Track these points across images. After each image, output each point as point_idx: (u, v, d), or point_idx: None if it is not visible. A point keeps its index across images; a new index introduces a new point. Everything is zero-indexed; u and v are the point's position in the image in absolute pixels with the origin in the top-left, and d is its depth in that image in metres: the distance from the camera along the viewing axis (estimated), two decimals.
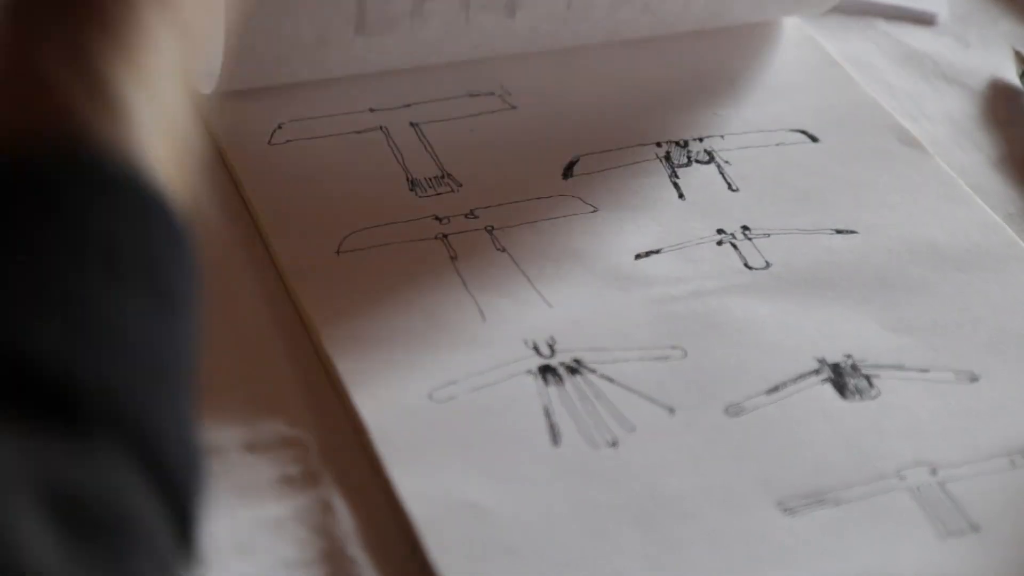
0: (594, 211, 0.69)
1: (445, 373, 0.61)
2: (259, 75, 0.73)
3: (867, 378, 0.61)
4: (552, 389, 0.61)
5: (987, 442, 0.59)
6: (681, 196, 0.70)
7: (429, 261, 0.66)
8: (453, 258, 0.66)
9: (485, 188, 0.70)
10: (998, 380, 0.62)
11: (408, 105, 0.75)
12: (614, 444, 0.59)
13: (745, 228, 0.68)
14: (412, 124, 0.74)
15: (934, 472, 0.58)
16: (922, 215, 0.69)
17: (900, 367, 0.62)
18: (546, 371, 0.61)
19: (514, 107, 0.75)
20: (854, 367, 0.62)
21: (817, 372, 0.62)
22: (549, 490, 0.57)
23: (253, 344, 0.63)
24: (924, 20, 0.82)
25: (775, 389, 0.61)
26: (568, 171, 0.71)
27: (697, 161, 0.72)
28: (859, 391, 0.61)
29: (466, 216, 0.69)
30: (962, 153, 0.74)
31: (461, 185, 0.70)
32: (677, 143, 0.73)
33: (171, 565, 0.35)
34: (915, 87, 0.78)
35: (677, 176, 0.71)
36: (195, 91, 0.44)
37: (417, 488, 0.56)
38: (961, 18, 0.82)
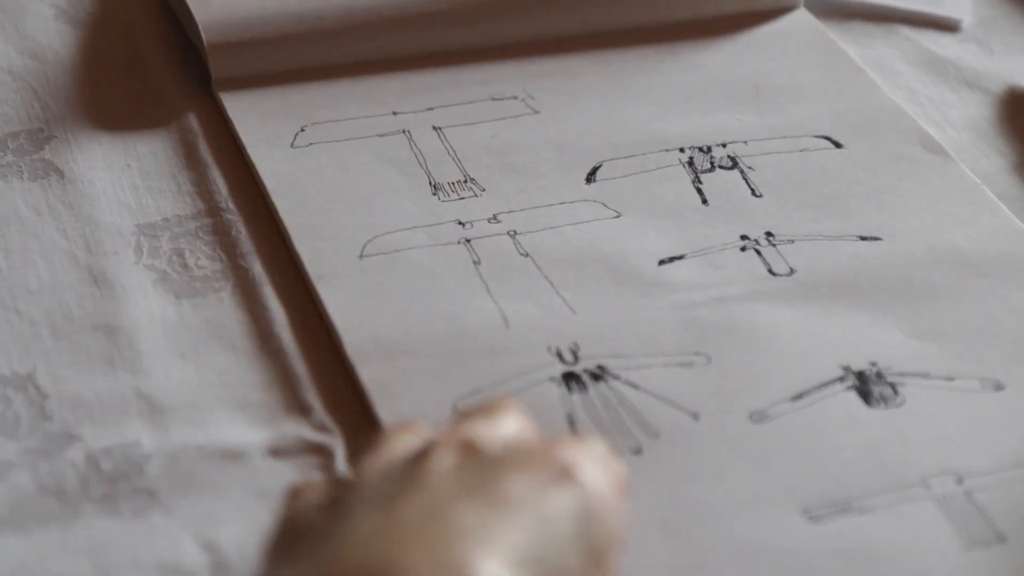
0: (617, 216, 0.69)
1: (469, 381, 0.61)
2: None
3: (892, 386, 0.61)
4: (576, 396, 0.61)
5: (1013, 451, 0.59)
6: (705, 202, 0.70)
7: (452, 266, 0.66)
8: (476, 263, 0.66)
9: (508, 193, 0.70)
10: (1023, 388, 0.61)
11: (431, 108, 0.74)
12: (638, 451, 0.59)
13: (769, 234, 0.68)
14: (435, 128, 0.74)
15: (960, 481, 0.58)
16: (946, 222, 0.69)
17: (925, 375, 0.62)
18: (570, 378, 0.61)
19: (537, 112, 0.75)
20: (879, 375, 0.62)
21: (842, 379, 0.61)
22: None
23: (276, 348, 0.63)
24: (948, 26, 0.82)
25: (800, 396, 0.61)
26: (591, 176, 0.71)
27: (720, 167, 0.72)
28: (884, 399, 0.61)
29: (489, 221, 0.69)
30: (986, 159, 0.74)
31: (484, 190, 0.70)
32: (700, 148, 0.73)
33: None
34: (939, 93, 0.78)
35: (700, 182, 0.71)
36: None
37: None
38: (985, 24, 0.82)
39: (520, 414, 0.54)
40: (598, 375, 0.61)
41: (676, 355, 0.62)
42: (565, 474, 0.51)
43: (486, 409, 0.54)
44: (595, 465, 0.52)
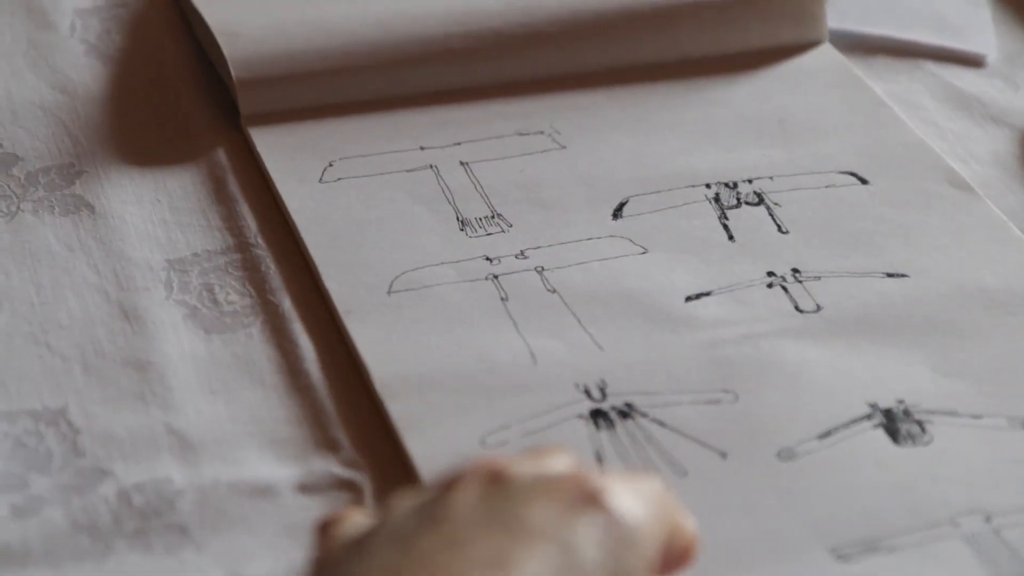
0: (644, 252, 0.69)
1: (497, 417, 0.61)
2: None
3: (919, 424, 0.61)
4: (604, 434, 0.61)
5: None
6: (731, 238, 0.70)
7: (480, 302, 0.66)
8: (504, 299, 0.67)
9: (535, 228, 0.70)
10: None
11: (458, 143, 0.75)
12: None
13: (795, 270, 0.68)
14: (462, 163, 0.74)
15: (988, 519, 0.58)
16: (972, 259, 0.69)
17: (953, 413, 0.62)
18: (597, 415, 0.61)
19: (563, 147, 0.75)
20: (906, 412, 0.62)
21: (869, 417, 0.62)
22: None
23: (306, 384, 0.63)
24: (972, 62, 0.82)
25: (827, 434, 0.61)
26: (618, 212, 0.71)
27: (747, 203, 0.72)
28: (912, 437, 0.61)
29: (516, 257, 0.69)
30: (1011, 195, 0.74)
31: (511, 225, 0.71)
32: (726, 184, 0.73)
33: None
34: (964, 129, 0.78)
35: (727, 218, 0.71)
36: None
37: None
38: (1010, 60, 0.82)
39: (571, 458, 0.52)
40: (626, 412, 0.62)
41: (703, 392, 0.63)
42: (590, 500, 0.49)
43: (536, 451, 0.53)
44: (627, 491, 0.50)
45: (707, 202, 0.72)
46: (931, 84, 0.81)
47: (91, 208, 0.71)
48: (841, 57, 0.81)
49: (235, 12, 0.78)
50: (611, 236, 0.70)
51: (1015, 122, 0.78)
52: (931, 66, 0.82)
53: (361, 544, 0.50)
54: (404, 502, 0.51)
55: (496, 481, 0.50)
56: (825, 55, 0.81)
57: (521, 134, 0.76)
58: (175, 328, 0.65)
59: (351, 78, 0.76)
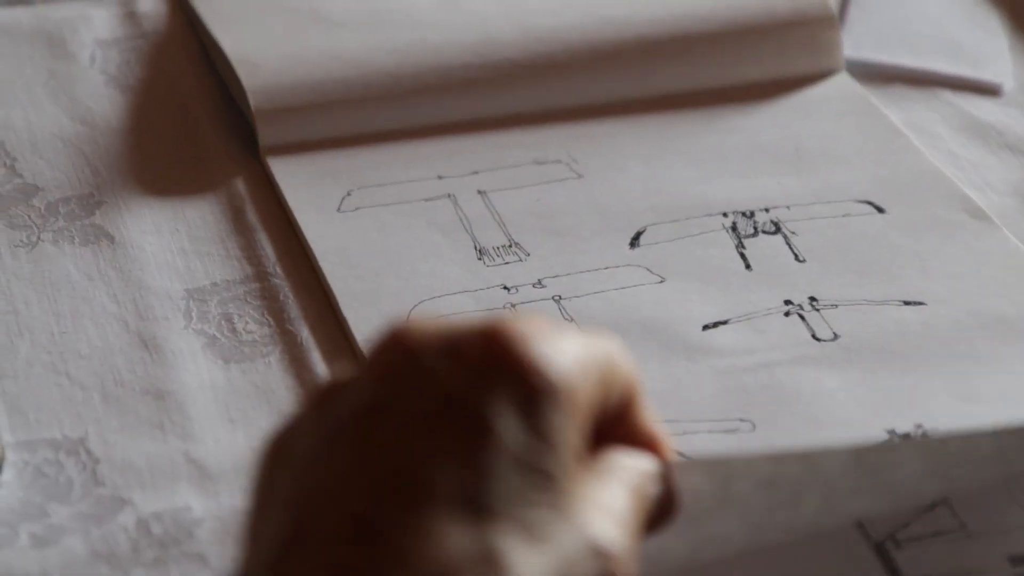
0: (661, 281, 0.69)
1: None
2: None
3: None
4: None
5: None
6: (748, 267, 0.70)
7: None
8: None
9: (552, 257, 0.71)
10: None
11: (476, 172, 0.75)
12: None
13: (812, 299, 0.69)
14: (480, 192, 0.74)
15: None
16: (990, 287, 0.69)
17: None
18: None
19: (580, 176, 0.75)
20: (924, 438, 0.62)
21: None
22: None
23: None
24: (989, 90, 0.82)
25: None
26: (635, 241, 0.72)
27: (763, 231, 0.72)
28: None
29: (534, 286, 0.69)
30: None
31: (529, 254, 0.71)
32: (743, 213, 0.73)
33: None
34: (980, 157, 0.78)
35: (744, 246, 0.72)
36: None
37: None
38: None
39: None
40: None
41: (721, 421, 0.63)
42: (501, 360, 0.39)
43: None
44: (549, 339, 0.39)
45: (724, 231, 0.72)
46: (947, 113, 0.81)
47: (111, 238, 0.72)
48: (857, 86, 0.81)
49: (254, 43, 0.78)
50: (628, 265, 0.70)
51: None
52: (947, 95, 0.82)
53: (288, 442, 0.43)
54: (339, 392, 0.43)
55: (404, 361, 0.41)
56: (841, 84, 0.81)
57: (538, 163, 0.76)
58: (194, 357, 0.66)
59: (369, 108, 0.77)
